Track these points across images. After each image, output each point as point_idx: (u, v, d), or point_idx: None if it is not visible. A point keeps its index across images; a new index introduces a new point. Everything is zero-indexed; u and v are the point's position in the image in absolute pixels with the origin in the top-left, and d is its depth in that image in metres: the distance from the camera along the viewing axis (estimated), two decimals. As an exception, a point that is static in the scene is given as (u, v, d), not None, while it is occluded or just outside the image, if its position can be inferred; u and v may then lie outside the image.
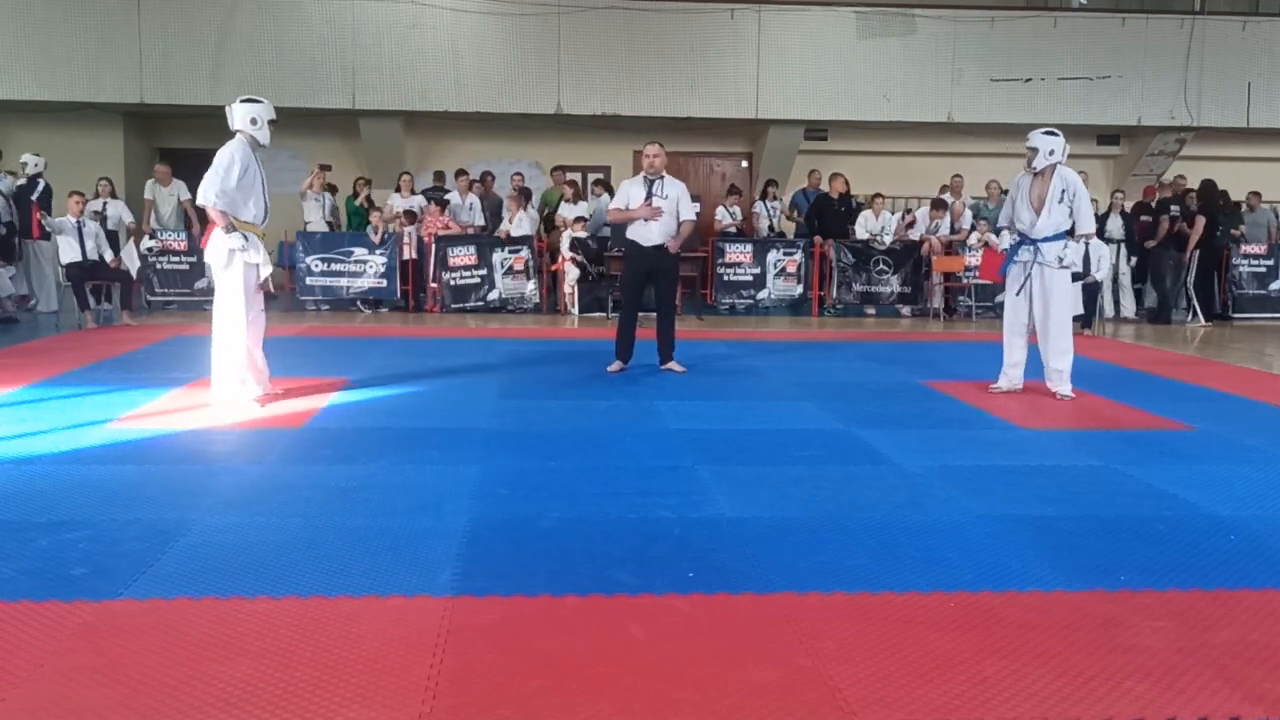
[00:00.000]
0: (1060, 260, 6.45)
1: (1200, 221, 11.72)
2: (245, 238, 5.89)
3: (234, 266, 5.91)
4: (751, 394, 6.69)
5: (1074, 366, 6.61)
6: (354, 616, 2.92)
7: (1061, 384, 6.56)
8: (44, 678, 2.54)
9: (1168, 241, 11.90)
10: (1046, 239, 6.48)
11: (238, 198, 5.87)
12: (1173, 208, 12.05)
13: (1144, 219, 12.42)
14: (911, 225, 12.39)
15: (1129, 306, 12.47)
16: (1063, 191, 6.43)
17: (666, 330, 7.43)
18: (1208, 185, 12.03)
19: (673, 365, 7.38)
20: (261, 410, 5.82)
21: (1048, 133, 6.48)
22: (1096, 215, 12.15)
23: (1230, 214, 12.70)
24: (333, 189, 12.58)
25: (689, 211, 7.30)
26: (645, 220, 7.17)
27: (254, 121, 5.93)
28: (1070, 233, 6.53)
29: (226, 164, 5.79)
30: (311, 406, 5.98)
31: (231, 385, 5.96)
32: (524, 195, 12.24)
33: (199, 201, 5.95)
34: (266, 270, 6.10)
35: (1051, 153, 6.40)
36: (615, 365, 7.41)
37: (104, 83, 12.98)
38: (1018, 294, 6.61)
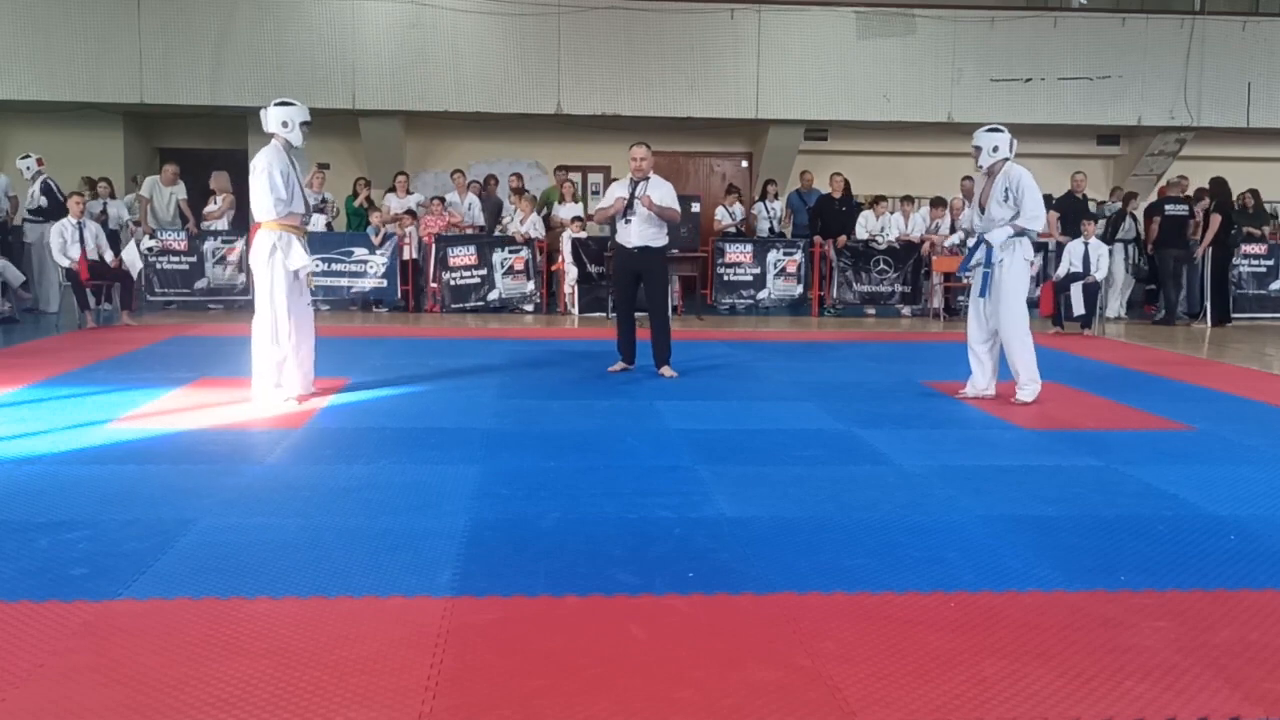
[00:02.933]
0: (1000, 249, 6.20)
1: (1216, 220, 11.66)
2: (285, 240, 5.93)
3: (272, 267, 5.89)
4: (751, 394, 6.69)
5: (1076, 367, 6.61)
6: (354, 616, 2.92)
7: (1021, 389, 6.31)
8: (44, 678, 2.54)
9: (1170, 240, 11.82)
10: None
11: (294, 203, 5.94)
12: (1168, 207, 11.99)
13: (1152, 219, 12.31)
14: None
15: (1118, 306, 12.43)
16: (1006, 189, 6.19)
17: (659, 334, 7.29)
18: (1220, 183, 11.97)
19: (666, 370, 7.26)
20: (264, 410, 5.82)
21: (991, 130, 6.29)
22: (1097, 216, 12.25)
23: (1256, 213, 12.66)
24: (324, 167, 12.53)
25: (672, 203, 7.21)
26: (625, 221, 7.15)
27: (285, 124, 5.96)
28: (1026, 232, 6.24)
29: (266, 175, 5.80)
30: (311, 406, 5.98)
31: (268, 385, 6.00)
32: (529, 195, 12.26)
33: (261, 219, 5.95)
34: (308, 268, 6.09)
35: (995, 149, 6.19)
36: (618, 365, 7.40)
37: (104, 83, 12.96)
38: (980, 295, 6.38)
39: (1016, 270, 6.27)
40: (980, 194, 6.41)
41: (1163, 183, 14.01)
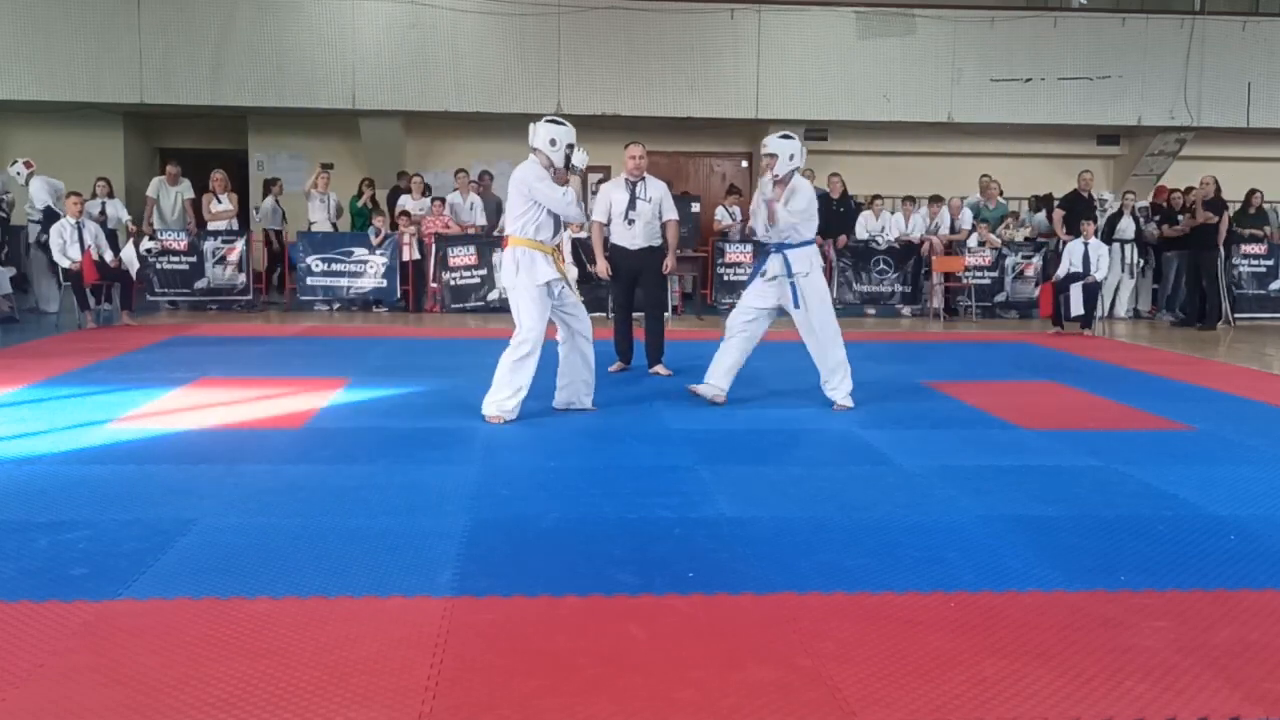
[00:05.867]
0: (806, 272, 6.04)
1: (1226, 216, 11.62)
2: (529, 256, 5.63)
3: (518, 286, 5.66)
4: (752, 394, 6.69)
5: (1076, 367, 6.60)
6: (354, 617, 2.92)
7: (840, 394, 6.16)
8: (44, 678, 2.54)
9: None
10: (790, 247, 6.06)
11: (543, 220, 5.65)
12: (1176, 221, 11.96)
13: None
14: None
15: (1121, 307, 12.39)
16: (787, 200, 6.01)
17: (654, 333, 7.35)
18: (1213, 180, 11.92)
19: (659, 369, 7.31)
20: (264, 410, 5.82)
21: (784, 137, 6.11)
22: (1098, 216, 12.21)
23: (1256, 214, 12.62)
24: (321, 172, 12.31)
25: (671, 211, 7.20)
26: (628, 223, 7.13)
27: (553, 143, 5.68)
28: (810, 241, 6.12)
29: (546, 184, 5.57)
30: (311, 406, 5.98)
31: (504, 399, 5.68)
32: None
33: (570, 222, 5.66)
34: (561, 279, 5.79)
35: (792, 157, 6.00)
36: (616, 365, 7.42)
37: (104, 83, 12.97)
38: (794, 307, 6.11)
39: (816, 277, 6.13)
40: (769, 201, 6.08)
41: (1161, 185, 13.99)
